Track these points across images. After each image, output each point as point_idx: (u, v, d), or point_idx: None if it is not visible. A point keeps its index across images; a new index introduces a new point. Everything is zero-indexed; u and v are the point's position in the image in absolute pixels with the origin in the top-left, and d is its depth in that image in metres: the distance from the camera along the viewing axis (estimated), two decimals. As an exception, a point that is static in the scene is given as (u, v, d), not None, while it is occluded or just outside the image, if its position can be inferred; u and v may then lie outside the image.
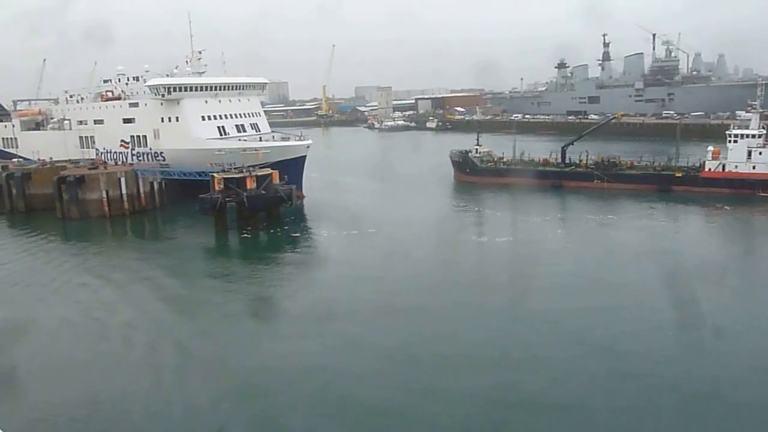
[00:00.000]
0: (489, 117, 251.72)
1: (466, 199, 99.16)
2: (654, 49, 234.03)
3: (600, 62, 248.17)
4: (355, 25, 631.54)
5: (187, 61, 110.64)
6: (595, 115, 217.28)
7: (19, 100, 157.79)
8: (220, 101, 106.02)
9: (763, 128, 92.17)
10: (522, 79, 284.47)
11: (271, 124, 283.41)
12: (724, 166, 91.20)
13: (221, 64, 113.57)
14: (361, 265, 63.70)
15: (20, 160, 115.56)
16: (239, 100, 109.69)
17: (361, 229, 76.81)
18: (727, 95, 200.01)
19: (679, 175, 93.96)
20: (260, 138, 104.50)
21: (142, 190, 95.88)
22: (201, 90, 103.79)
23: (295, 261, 68.93)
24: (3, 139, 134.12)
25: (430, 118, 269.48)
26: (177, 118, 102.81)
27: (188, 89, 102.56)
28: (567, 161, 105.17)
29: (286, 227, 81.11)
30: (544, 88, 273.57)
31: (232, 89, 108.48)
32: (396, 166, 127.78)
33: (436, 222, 79.81)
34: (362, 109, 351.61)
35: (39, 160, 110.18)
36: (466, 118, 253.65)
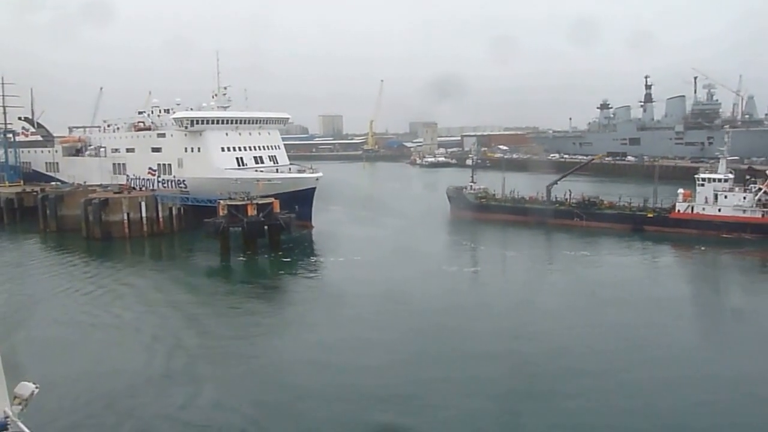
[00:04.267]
0: (528, 156, 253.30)
1: (454, 233, 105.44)
2: (695, 91, 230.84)
3: (642, 104, 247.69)
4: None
5: (213, 96, 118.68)
6: (633, 156, 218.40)
7: (74, 127, 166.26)
8: (240, 134, 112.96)
9: (731, 173, 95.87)
10: (570, 118, 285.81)
11: (318, 157, 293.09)
12: (692, 208, 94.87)
13: (244, 99, 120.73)
14: (326, 287, 71.36)
15: (58, 183, 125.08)
16: (259, 134, 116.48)
17: (347, 257, 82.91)
18: (766, 140, 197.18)
19: (651, 215, 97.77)
20: (276, 170, 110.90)
21: (161, 215, 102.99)
22: (222, 123, 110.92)
23: (275, 282, 75.99)
24: (46, 163, 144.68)
25: (470, 155, 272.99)
26: (199, 148, 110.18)
27: (210, 122, 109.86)
28: (552, 199, 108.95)
29: (280, 253, 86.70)
30: (586, 128, 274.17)
31: (253, 123, 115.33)
32: (409, 201, 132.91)
33: (416, 252, 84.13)
34: (409, 145, 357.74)
35: (74, 184, 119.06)
36: (505, 156, 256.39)
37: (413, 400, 39.76)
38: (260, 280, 77.75)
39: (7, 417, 15.26)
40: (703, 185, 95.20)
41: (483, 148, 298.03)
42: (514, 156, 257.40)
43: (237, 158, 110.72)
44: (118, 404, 39.91)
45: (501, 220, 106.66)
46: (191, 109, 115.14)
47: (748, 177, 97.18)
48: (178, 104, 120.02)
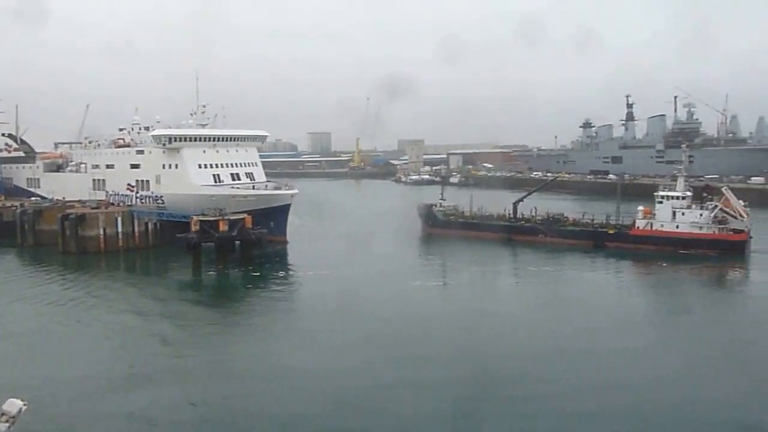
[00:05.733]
0: (512, 174, 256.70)
1: (422, 249, 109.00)
2: (676, 111, 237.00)
3: (623, 123, 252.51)
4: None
5: (192, 114, 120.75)
6: (614, 175, 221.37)
7: (60, 143, 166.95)
8: (217, 151, 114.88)
9: (689, 191, 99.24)
10: (556, 137, 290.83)
11: (304, 174, 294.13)
12: (651, 225, 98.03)
13: (222, 118, 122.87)
14: (291, 300, 74.76)
15: (38, 199, 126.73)
16: (236, 151, 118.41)
17: (317, 272, 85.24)
18: (745, 159, 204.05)
19: (612, 232, 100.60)
20: (253, 186, 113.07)
21: (136, 230, 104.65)
22: (199, 140, 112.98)
23: (242, 295, 78.32)
24: (27, 179, 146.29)
25: (454, 173, 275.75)
26: (177, 165, 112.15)
27: (188, 139, 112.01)
28: (518, 216, 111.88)
29: (251, 267, 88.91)
30: (570, 147, 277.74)
31: (230, 140, 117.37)
32: (384, 218, 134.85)
33: (383, 267, 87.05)
34: (395, 162, 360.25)
35: (53, 199, 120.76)
36: (489, 174, 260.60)
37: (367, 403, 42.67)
38: (228, 293, 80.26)
39: None
40: (661, 202, 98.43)
41: (468, 166, 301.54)
42: (498, 174, 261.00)
43: (214, 175, 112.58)
44: (83, 412, 41.86)
45: (469, 236, 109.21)
46: (170, 127, 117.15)
47: (705, 195, 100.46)
48: (158, 122, 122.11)
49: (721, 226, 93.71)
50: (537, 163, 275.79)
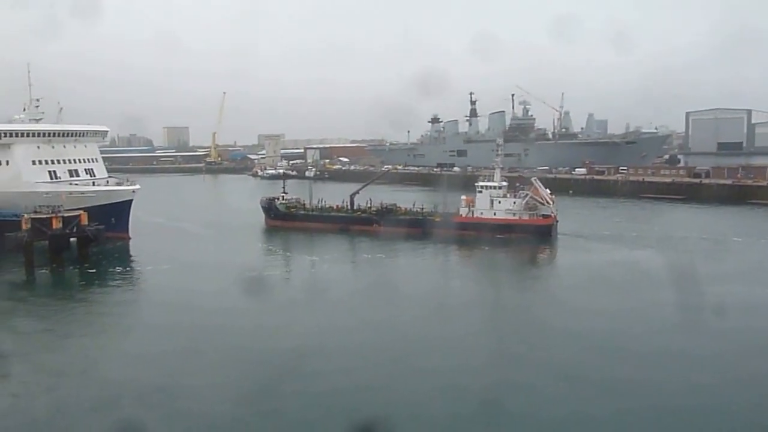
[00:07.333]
0: (364, 168, 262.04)
1: (264, 241, 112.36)
2: (513, 108, 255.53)
3: (467, 118, 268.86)
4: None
5: (24, 108, 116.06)
6: (459, 167, 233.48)
7: None
8: (53, 147, 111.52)
9: (505, 181, 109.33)
10: (408, 131, 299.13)
11: (159, 170, 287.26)
12: (473, 213, 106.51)
13: (57, 112, 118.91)
14: (124, 297, 75.24)
15: None
16: (75, 146, 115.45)
17: (156, 267, 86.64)
18: (573, 152, 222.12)
19: (438, 220, 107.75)
20: (93, 183, 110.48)
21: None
22: (33, 136, 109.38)
23: (76, 294, 78.19)
24: None
25: (309, 167, 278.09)
26: (8, 161, 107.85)
27: (20, 135, 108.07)
28: (355, 207, 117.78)
29: (86, 265, 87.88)
30: (420, 141, 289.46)
31: (67, 136, 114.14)
32: (231, 212, 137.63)
33: (224, 260, 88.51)
34: (253, 157, 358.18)
35: None
36: (343, 168, 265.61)
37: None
38: (61, 291, 79.47)
39: None
40: (481, 192, 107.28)
41: (324, 160, 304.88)
42: (352, 168, 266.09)
43: (50, 171, 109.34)
44: None
45: (310, 228, 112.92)
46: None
47: (518, 184, 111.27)
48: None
49: (531, 212, 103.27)
50: (389, 157, 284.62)
